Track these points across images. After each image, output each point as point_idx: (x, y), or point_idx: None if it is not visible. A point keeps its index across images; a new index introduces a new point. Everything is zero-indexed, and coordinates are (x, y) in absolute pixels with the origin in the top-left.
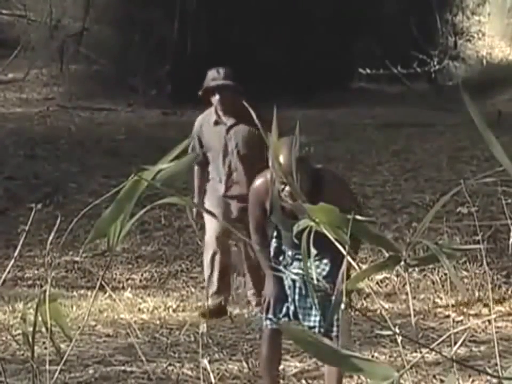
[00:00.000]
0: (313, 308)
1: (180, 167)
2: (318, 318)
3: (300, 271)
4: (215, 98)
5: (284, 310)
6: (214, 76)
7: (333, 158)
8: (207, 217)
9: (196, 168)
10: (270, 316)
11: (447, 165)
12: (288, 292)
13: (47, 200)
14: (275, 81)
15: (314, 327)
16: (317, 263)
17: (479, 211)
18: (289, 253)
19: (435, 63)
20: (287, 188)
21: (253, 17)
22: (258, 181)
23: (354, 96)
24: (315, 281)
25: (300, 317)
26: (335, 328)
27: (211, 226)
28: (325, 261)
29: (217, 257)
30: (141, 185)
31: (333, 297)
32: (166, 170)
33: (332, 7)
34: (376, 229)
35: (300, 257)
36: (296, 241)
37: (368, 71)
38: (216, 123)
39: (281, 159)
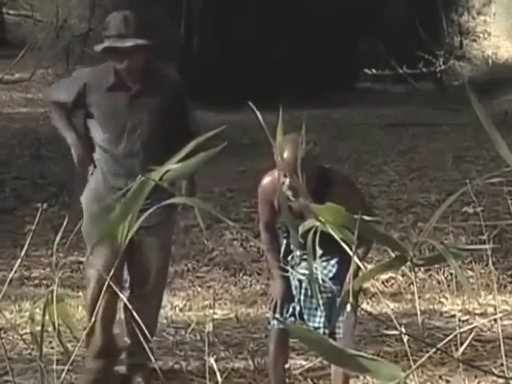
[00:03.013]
0: (319, 309)
1: (188, 168)
2: (323, 319)
3: (307, 272)
4: (120, 60)
5: (290, 310)
6: (121, 31)
7: (338, 158)
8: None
9: (63, 121)
10: (277, 315)
11: (452, 164)
12: (294, 292)
13: (52, 200)
14: (280, 81)
15: (319, 328)
16: (324, 264)
17: (484, 211)
18: (297, 253)
19: (440, 63)
20: (287, 182)
21: (258, 17)
22: (266, 179)
23: (359, 96)
24: (321, 282)
25: (305, 317)
26: (340, 330)
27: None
28: (332, 262)
29: (101, 299)
30: (148, 185)
31: (339, 299)
32: (174, 170)
33: (337, 7)
34: (382, 228)
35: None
36: (302, 241)
37: (374, 71)
38: (115, 87)
39: (285, 154)
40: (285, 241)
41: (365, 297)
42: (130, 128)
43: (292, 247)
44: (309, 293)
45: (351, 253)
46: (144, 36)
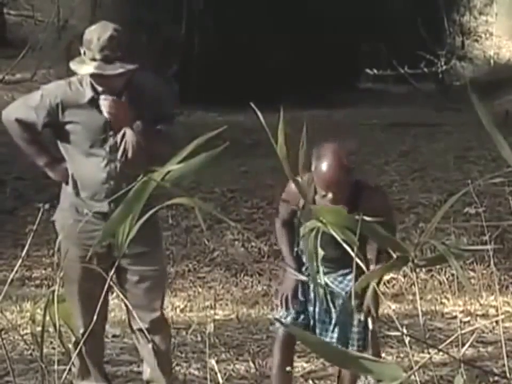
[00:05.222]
0: (332, 323)
1: (189, 168)
2: (336, 335)
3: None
4: (104, 82)
5: (304, 320)
6: (107, 54)
7: None
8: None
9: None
10: (284, 313)
11: (454, 165)
12: (309, 305)
13: (54, 200)
14: (281, 82)
15: (331, 343)
16: (339, 278)
17: (486, 211)
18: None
19: (442, 63)
20: (330, 195)
21: (259, 17)
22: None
23: (361, 97)
24: (338, 297)
25: (317, 331)
26: (353, 348)
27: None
28: (348, 277)
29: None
30: (150, 185)
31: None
32: (175, 170)
33: (339, 7)
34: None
35: (325, 270)
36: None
37: (375, 71)
38: (94, 103)
39: (325, 166)
40: (295, 252)
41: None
42: (112, 147)
43: (304, 258)
44: (324, 306)
45: (360, 263)
46: (130, 55)
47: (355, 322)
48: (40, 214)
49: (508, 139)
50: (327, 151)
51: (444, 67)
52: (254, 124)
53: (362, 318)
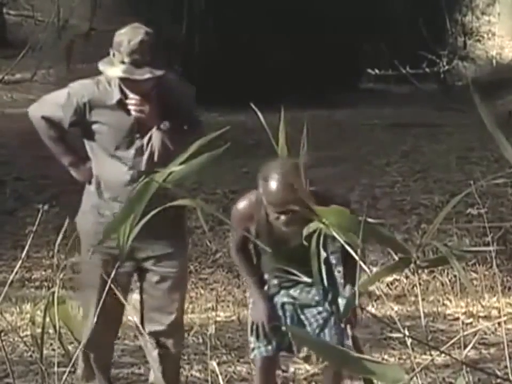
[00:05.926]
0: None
1: (191, 169)
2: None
3: (290, 300)
4: (132, 86)
5: (275, 344)
6: (136, 58)
7: (341, 159)
8: (83, 235)
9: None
10: (259, 343)
11: (456, 165)
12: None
13: (54, 201)
14: (283, 82)
15: None
16: (307, 289)
17: (488, 212)
18: (274, 281)
19: (444, 63)
20: (283, 217)
21: (260, 17)
22: (244, 205)
23: (362, 97)
24: (308, 308)
25: (294, 349)
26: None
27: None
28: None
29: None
30: (153, 186)
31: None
32: (178, 171)
33: (340, 7)
34: (385, 230)
35: (287, 284)
36: (280, 266)
37: (377, 71)
38: (121, 105)
39: (275, 185)
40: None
41: (370, 300)
42: (138, 149)
43: (265, 277)
44: (296, 319)
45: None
46: (159, 60)
47: (333, 330)
48: (39, 215)
49: (511, 140)
50: (276, 171)
51: (446, 67)
52: (255, 124)
53: (342, 325)
